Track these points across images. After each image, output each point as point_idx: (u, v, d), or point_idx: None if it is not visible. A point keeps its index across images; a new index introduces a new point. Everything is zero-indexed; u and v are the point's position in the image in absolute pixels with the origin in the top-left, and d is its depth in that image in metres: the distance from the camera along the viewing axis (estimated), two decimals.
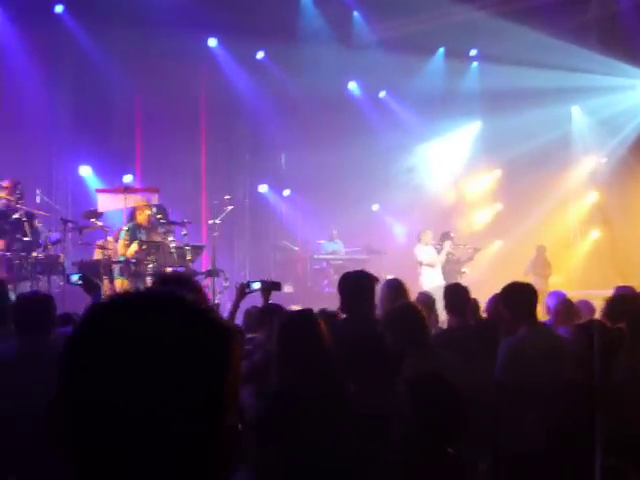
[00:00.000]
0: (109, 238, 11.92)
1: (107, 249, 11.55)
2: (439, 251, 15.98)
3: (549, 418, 4.77)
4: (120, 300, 1.31)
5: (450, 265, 16.22)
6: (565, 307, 7.20)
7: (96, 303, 1.33)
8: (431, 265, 15.54)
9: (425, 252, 15.68)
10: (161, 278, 5.67)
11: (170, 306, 1.28)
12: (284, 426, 4.05)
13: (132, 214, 12.20)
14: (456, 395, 3.57)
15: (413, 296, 7.24)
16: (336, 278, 17.72)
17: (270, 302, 6.76)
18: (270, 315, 5.66)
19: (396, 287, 6.80)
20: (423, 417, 3.54)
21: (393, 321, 5.46)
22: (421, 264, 15.57)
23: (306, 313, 4.65)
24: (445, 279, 14.92)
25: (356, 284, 5.94)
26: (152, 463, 1.20)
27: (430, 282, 14.77)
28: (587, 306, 7.98)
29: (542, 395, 4.90)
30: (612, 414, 4.22)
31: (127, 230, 11.79)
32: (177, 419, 1.20)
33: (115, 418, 1.19)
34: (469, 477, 3.55)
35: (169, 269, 10.85)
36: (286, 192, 20.27)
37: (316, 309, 7.10)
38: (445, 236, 16.45)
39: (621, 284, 8.67)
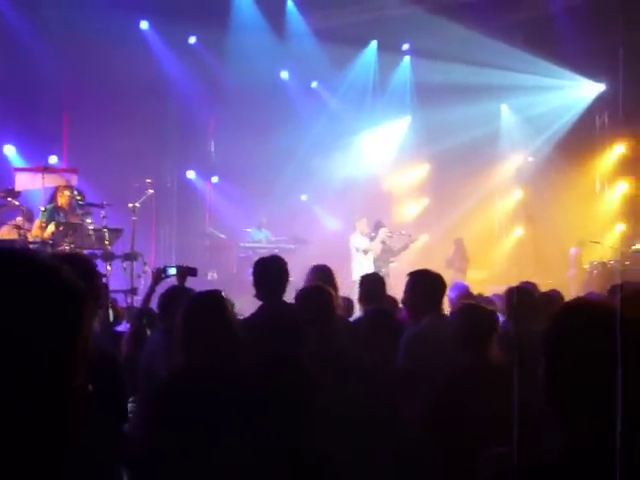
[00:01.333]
0: (18, 219, 11.66)
1: (22, 229, 11.33)
2: (373, 239, 16.03)
3: (430, 403, 4.85)
4: None
5: (384, 254, 16.30)
6: (465, 299, 7.30)
7: None
8: (366, 252, 15.56)
9: (361, 240, 15.72)
10: (54, 256, 5.62)
11: (21, 261, 1.26)
12: (179, 403, 4.05)
13: (53, 195, 12.01)
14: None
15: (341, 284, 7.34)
16: None
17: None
18: (177, 298, 5.65)
19: (323, 272, 6.85)
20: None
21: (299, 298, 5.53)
22: (357, 250, 15.57)
23: (212, 293, 4.66)
24: (376, 268, 14.99)
25: (269, 268, 5.97)
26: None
27: (360, 271, 14.82)
28: (500, 299, 8.10)
29: (432, 382, 4.96)
30: (488, 396, 4.29)
31: (44, 211, 11.59)
32: (24, 374, 1.19)
33: None
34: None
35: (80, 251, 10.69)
36: (214, 179, 20.19)
37: (240, 296, 7.09)
38: (378, 225, 16.54)
39: (532, 279, 8.83)
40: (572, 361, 2.14)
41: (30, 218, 11.99)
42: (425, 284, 5.99)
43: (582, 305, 2.36)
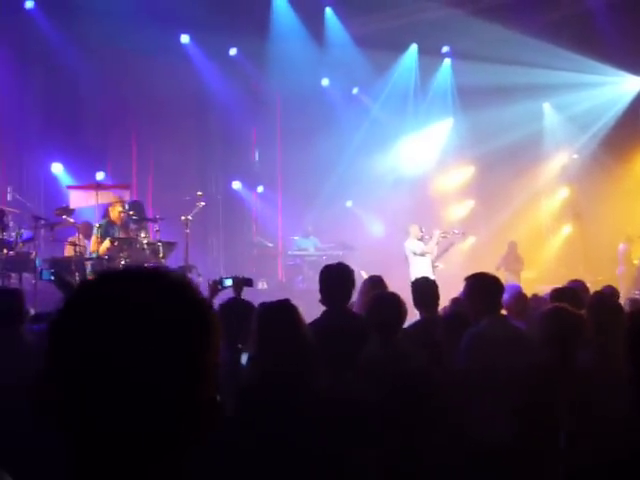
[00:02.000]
0: (76, 237, 11.85)
1: (79, 245, 11.54)
2: (427, 242, 15.97)
3: (514, 406, 4.86)
4: (108, 275, 1.37)
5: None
6: (517, 301, 7.30)
7: (86, 279, 1.39)
8: (424, 254, 15.50)
9: (417, 244, 15.68)
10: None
11: (158, 280, 1.33)
12: (257, 415, 4.12)
13: (105, 211, 12.22)
14: (416, 381, 3.64)
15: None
16: (311, 274, 17.97)
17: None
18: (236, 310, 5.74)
19: (377, 282, 6.98)
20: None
21: (373, 307, 5.59)
22: (415, 254, 15.51)
23: (284, 302, 4.73)
24: None
25: (337, 276, 6.08)
26: (139, 432, 1.24)
27: (422, 274, 14.77)
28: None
29: (504, 382, 4.98)
30: (575, 399, 4.31)
31: (99, 227, 11.79)
32: (165, 390, 1.25)
33: (105, 388, 1.23)
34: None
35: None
36: (260, 188, 20.26)
37: None
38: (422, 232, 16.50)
39: (581, 278, 8.82)
40: None
41: (88, 234, 12.21)
42: (483, 287, 6.01)
43: None
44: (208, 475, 2.51)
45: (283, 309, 4.53)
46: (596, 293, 6.90)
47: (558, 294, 6.70)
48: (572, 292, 6.68)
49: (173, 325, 1.28)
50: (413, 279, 14.12)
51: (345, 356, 4.94)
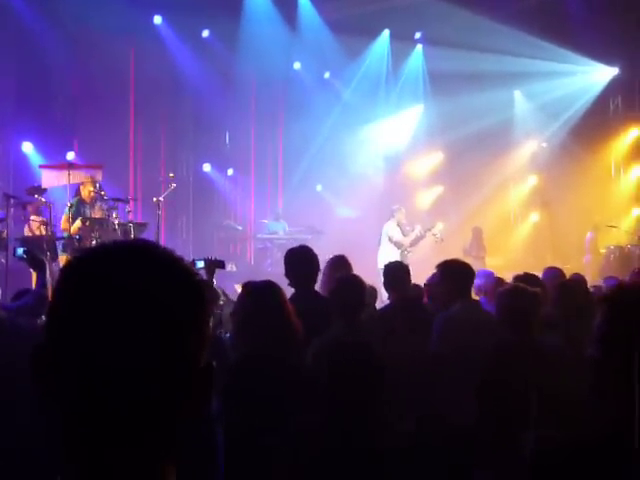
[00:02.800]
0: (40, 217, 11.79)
1: (49, 225, 11.48)
2: (408, 233, 15.94)
3: (480, 387, 4.93)
4: (102, 250, 1.38)
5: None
6: (494, 285, 7.39)
7: (77, 255, 1.40)
8: (398, 245, 15.50)
9: (396, 230, 15.66)
10: None
11: (151, 255, 1.34)
12: (247, 389, 4.17)
13: (77, 190, 12.16)
14: (377, 363, 3.68)
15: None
16: (279, 257, 17.92)
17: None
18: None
19: (341, 263, 7.02)
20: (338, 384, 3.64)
21: (335, 289, 5.64)
22: (390, 240, 15.51)
23: (269, 282, 4.80)
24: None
25: (301, 259, 6.18)
26: (138, 403, 1.26)
27: (388, 259, 14.79)
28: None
29: (473, 365, 5.06)
30: (538, 381, 4.39)
31: (70, 206, 11.75)
32: (163, 362, 1.27)
33: (103, 363, 1.25)
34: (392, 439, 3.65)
35: None
36: (230, 171, 20.23)
37: None
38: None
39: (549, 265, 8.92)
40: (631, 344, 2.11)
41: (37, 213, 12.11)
42: (455, 273, 6.11)
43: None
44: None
45: (270, 289, 4.59)
46: (564, 279, 7.00)
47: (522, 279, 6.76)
48: (534, 278, 6.74)
49: (172, 301, 1.30)
50: (381, 262, 14.29)
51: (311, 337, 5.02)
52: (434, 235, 16.55)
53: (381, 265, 13.38)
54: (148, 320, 1.27)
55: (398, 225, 15.80)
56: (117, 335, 1.26)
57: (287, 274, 6.20)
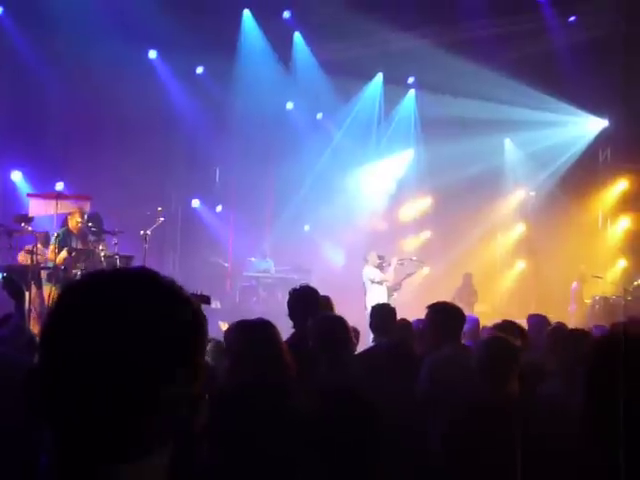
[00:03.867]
0: (36, 246, 11.70)
1: (36, 254, 11.41)
2: (385, 269, 16.02)
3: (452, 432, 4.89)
4: (97, 276, 1.38)
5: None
6: (479, 330, 7.37)
7: (71, 281, 1.39)
8: (382, 282, 15.56)
9: (375, 271, 15.73)
10: None
11: (147, 282, 1.35)
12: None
13: (64, 220, 12.11)
14: (370, 411, 3.64)
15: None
16: (265, 295, 17.90)
17: None
18: None
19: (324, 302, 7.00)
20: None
21: (316, 328, 5.60)
22: (372, 282, 15.56)
23: (264, 320, 4.81)
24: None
25: (305, 298, 6.22)
26: (125, 428, 1.27)
27: (377, 301, 14.83)
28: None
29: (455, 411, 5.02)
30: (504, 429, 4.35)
31: (57, 236, 11.70)
32: (154, 387, 1.27)
33: (94, 386, 1.25)
34: None
35: None
36: (219, 208, 20.22)
37: None
38: (381, 258, 16.55)
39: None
40: (616, 392, 2.08)
41: (46, 243, 12.09)
42: (445, 316, 6.08)
43: (627, 333, 2.29)
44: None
45: (265, 327, 4.59)
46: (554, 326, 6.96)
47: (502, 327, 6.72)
48: (515, 326, 6.70)
49: (169, 330, 1.30)
50: (369, 306, 14.30)
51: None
52: (412, 260, 16.76)
53: (370, 305, 13.44)
54: (148, 349, 1.27)
55: (375, 267, 15.86)
56: (114, 361, 1.26)
57: (291, 313, 6.26)
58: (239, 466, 3.96)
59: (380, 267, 15.95)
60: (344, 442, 3.43)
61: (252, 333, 4.61)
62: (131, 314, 1.28)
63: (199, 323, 1.36)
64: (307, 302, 6.27)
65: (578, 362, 5.07)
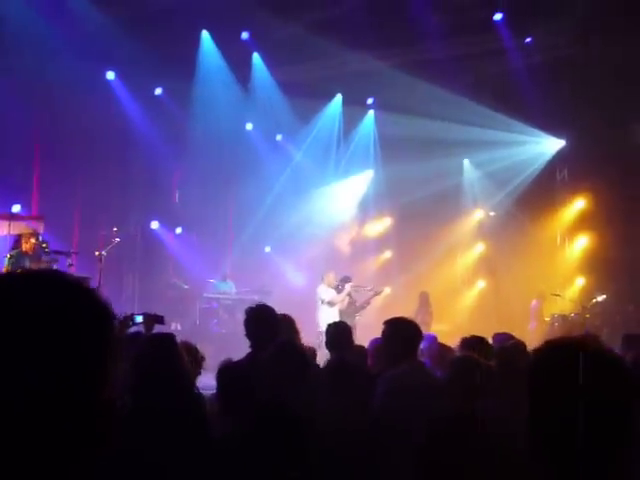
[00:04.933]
0: None
1: None
2: (340, 292, 16.08)
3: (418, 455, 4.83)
4: (5, 277, 1.35)
5: (349, 308, 16.31)
6: (437, 348, 7.34)
7: None
8: (331, 304, 15.59)
9: (328, 292, 15.78)
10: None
11: (58, 282, 1.31)
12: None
13: (17, 241, 11.95)
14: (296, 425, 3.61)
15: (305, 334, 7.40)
16: (225, 317, 17.80)
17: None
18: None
19: (286, 321, 6.95)
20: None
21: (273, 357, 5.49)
22: (322, 302, 15.60)
23: (164, 334, 4.71)
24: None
25: (260, 317, 6.23)
26: (30, 429, 1.23)
27: (327, 321, 14.85)
28: None
29: (416, 431, 4.95)
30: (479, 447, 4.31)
31: (10, 257, 11.54)
32: (58, 384, 1.24)
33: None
34: None
35: None
36: (178, 230, 20.11)
37: (205, 347, 7.08)
38: (345, 280, 16.59)
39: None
40: (558, 401, 2.10)
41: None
42: (401, 331, 6.01)
43: (563, 344, 2.27)
44: None
45: (163, 341, 4.47)
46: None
47: (466, 343, 6.69)
48: (482, 341, 6.68)
49: (74, 326, 1.26)
50: (321, 325, 14.44)
51: None
52: (366, 290, 16.81)
53: (322, 327, 13.57)
54: (49, 341, 1.24)
55: (329, 287, 15.91)
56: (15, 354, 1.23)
57: (247, 334, 6.19)
58: None
59: (336, 289, 16.02)
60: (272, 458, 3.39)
61: (154, 348, 4.50)
62: (34, 308, 1.26)
63: (104, 322, 1.31)
64: (262, 321, 6.21)
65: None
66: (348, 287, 16.18)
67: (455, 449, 4.60)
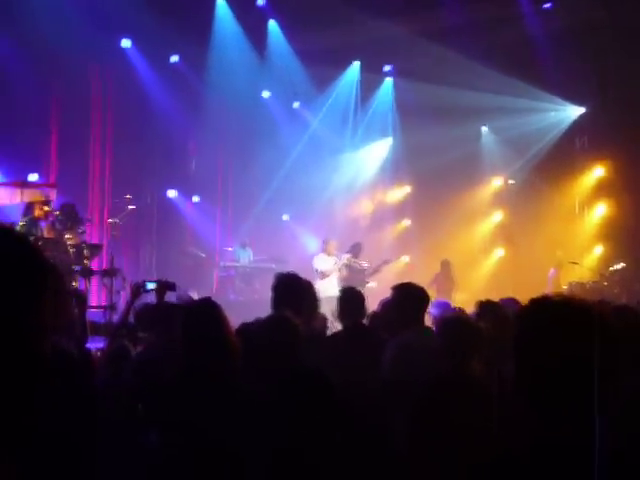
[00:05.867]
0: None
1: None
2: (337, 263, 15.91)
3: (413, 415, 4.83)
4: None
5: (354, 274, 16.19)
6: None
7: None
8: (323, 275, 15.43)
9: (322, 261, 15.62)
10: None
11: None
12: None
13: (29, 208, 11.95)
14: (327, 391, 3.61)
15: None
16: (242, 286, 17.80)
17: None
18: (161, 314, 5.71)
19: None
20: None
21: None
22: (316, 272, 15.49)
23: (207, 300, 4.74)
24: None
25: (288, 286, 6.12)
26: None
27: (323, 291, 14.79)
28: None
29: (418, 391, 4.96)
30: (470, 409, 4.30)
31: (23, 225, 11.54)
32: None
33: None
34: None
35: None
36: (195, 198, 20.11)
37: None
38: (356, 247, 16.50)
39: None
40: (541, 356, 2.16)
41: None
42: (409, 297, 5.99)
43: (547, 301, 2.32)
44: None
45: (208, 307, 4.54)
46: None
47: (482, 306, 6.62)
48: (495, 305, 6.62)
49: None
50: (320, 292, 14.35)
51: None
52: (361, 265, 16.56)
53: (321, 294, 13.58)
54: None
55: (330, 256, 15.69)
56: None
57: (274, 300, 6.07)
58: (188, 455, 3.91)
59: (336, 259, 15.75)
60: (301, 423, 3.40)
61: (194, 315, 4.54)
62: None
63: (32, 266, 1.28)
64: (290, 288, 6.11)
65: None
66: (344, 258, 15.93)
67: (440, 409, 4.61)
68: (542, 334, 2.17)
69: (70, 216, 12.09)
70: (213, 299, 4.78)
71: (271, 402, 3.71)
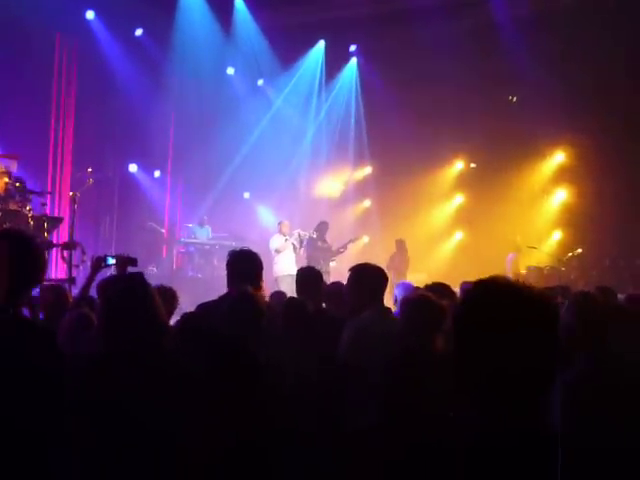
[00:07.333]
0: None
1: None
2: (296, 241, 16.06)
3: (381, 392, 4.88)
4: None
5: (319, 252, 16.29)
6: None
7: None
8: (278, 251, 15.57)
9: (277, 240, 15.76)
10: None
11: None
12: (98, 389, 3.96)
13: None
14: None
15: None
16: (202, 263, 17.77)
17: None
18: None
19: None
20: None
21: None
22: (272, 250, 15.61)
23: (134, 276, 4.54)
24: (317, 266, 14.91)
25: (243, 262, 6.03)
26: None
27: (281, 270, 15.03)
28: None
29: (378, 373, 4.99)
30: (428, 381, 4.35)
31: None
32: None
33: None
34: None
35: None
36: (157, 173, 19.99)
37: (180, 291, 7.01)
38: (322, 225, 16.60)
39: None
40: (480, 338, 2.15)
41: None
42: (367, 277, 5.99)
43: (490, 282, 2.27)
44: None
45: (133, 281, 4.33)
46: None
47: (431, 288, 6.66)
48: (445, 287, 6.66)
49: None
50: (275, 272, 14.63)
51: None
52: (351, 240, 16.83)
53: (276, 274, 14.96)
54: None
55: (284, 236, 15.82)
56: None
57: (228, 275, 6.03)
58: (118, 437, 3.80)
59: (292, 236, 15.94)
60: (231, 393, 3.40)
61: (114, 291, 4.35)
62: None
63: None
64: (246, 266, 6.07)
65: None
66: (295, 234, 16.10)
67: (410, 382, 4.67)
68: (481, 317, 2.16)
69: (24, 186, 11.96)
70: (169, 275, 4.65)
71: (197, 380, 3.68)
